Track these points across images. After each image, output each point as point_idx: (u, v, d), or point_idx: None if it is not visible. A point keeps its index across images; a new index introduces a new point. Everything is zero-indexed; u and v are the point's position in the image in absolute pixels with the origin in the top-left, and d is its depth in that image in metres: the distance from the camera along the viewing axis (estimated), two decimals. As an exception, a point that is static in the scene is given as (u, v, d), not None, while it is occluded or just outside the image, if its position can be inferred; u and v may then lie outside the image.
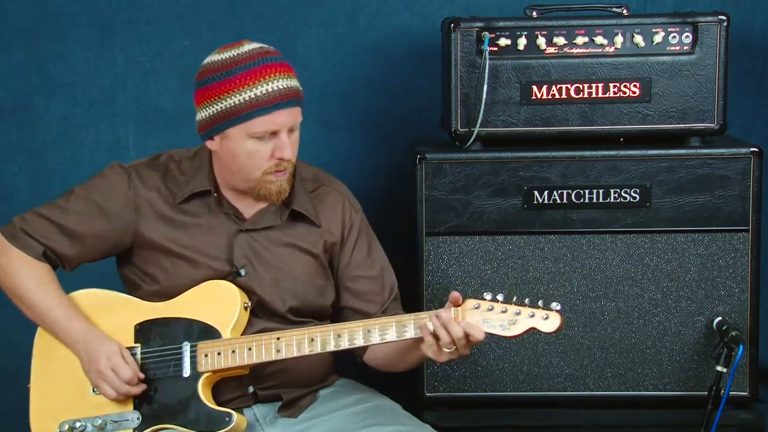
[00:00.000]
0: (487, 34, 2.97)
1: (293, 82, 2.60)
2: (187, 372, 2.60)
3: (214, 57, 2.61)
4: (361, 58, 3.49)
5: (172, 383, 2.61)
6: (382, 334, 2.52)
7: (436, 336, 2.47)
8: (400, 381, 2.99)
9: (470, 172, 3.00)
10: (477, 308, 2.48)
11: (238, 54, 2.58)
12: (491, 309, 2.47)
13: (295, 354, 2.55)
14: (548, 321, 2.45)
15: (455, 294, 2.48)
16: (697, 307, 3.01)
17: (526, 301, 2.47)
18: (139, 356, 2.63)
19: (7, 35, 3.47)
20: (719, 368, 2.89)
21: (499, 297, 2.47)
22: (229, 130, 2.57)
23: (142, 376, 2.60)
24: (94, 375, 2.60)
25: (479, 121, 2.98)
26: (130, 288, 2.74)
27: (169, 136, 3.47)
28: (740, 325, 2.98)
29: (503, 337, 2.48)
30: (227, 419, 2.56)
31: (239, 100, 2.54)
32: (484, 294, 2.48)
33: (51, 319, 2.65)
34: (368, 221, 2.86)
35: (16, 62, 3.48)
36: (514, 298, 2.47)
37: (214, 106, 2.57)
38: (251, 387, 2.65)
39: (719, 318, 2.98)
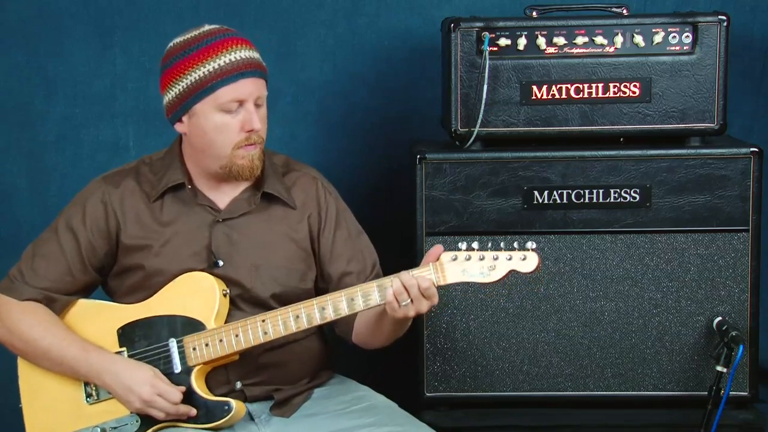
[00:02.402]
0: (487, 34, 2.97)
1: (255, 54, 2.63)
2: (178, 368, 2.60)
3: (176, 40, 2.65)
4: (361, 59, 3.49)
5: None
6: (365, 299, 2.52)
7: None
8: (400, 380, 2.99)
9: (470, 172, 3.00)
10: (455, 260, 2.48)
11: (198, 33, 2.63)
12: (468, 258, 2.48)
13: (283, 333, 2.55)
14: (526, 261, 2.48)
15: (436, 249, 2.50)
16: (697, 307, 3.01)
17: (501, 245, 2.48)
18: None
19: (7, 35, 3.47)
20: (719, 368, 2.88)
21: (474, 245, 2.48)
22: (197, 106, 2.59)
23: (183, 389, 2.58)
24: (139, 404, 2.56)
25: (479, 121, 2.98)
26: (113, 297, 2.73)
27: (169, 136, 3.46)
28: (740, 325, 2.98)
29: (484, 283, 2.49)
30: (226, 408, 2.56)
31: (203, 72, 2.57)
32: (459, 244, 2.49)
33: (68, 359, 2.61)
34: (370, 221, 2.86)
35: (17, 62, 3.48)
36: (489, 244, 2.48)
37: (180, 84, 2.60)
38: (239, 383, 2.65)
39: (719, 318, 2.98)
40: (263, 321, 2.56)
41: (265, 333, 2.56)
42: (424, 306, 2.50)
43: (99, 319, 2.66)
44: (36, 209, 3.50)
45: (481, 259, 2.47)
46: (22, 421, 2.71)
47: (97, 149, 3.50)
